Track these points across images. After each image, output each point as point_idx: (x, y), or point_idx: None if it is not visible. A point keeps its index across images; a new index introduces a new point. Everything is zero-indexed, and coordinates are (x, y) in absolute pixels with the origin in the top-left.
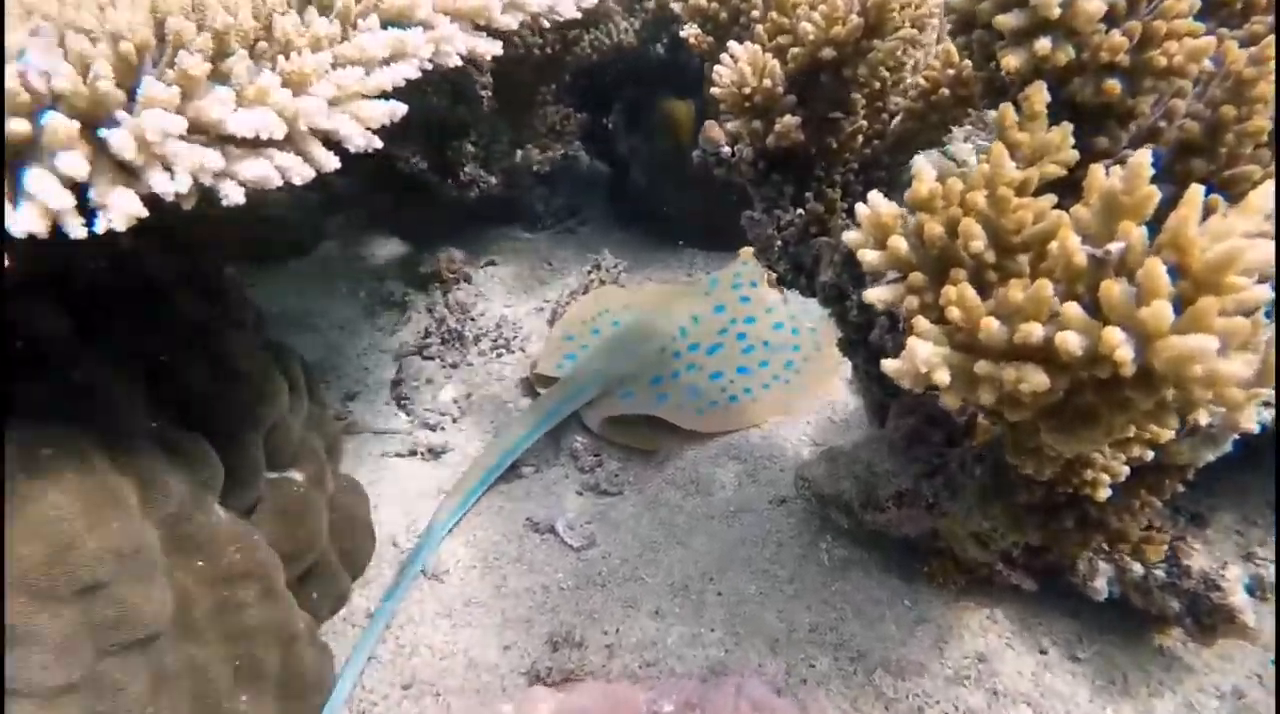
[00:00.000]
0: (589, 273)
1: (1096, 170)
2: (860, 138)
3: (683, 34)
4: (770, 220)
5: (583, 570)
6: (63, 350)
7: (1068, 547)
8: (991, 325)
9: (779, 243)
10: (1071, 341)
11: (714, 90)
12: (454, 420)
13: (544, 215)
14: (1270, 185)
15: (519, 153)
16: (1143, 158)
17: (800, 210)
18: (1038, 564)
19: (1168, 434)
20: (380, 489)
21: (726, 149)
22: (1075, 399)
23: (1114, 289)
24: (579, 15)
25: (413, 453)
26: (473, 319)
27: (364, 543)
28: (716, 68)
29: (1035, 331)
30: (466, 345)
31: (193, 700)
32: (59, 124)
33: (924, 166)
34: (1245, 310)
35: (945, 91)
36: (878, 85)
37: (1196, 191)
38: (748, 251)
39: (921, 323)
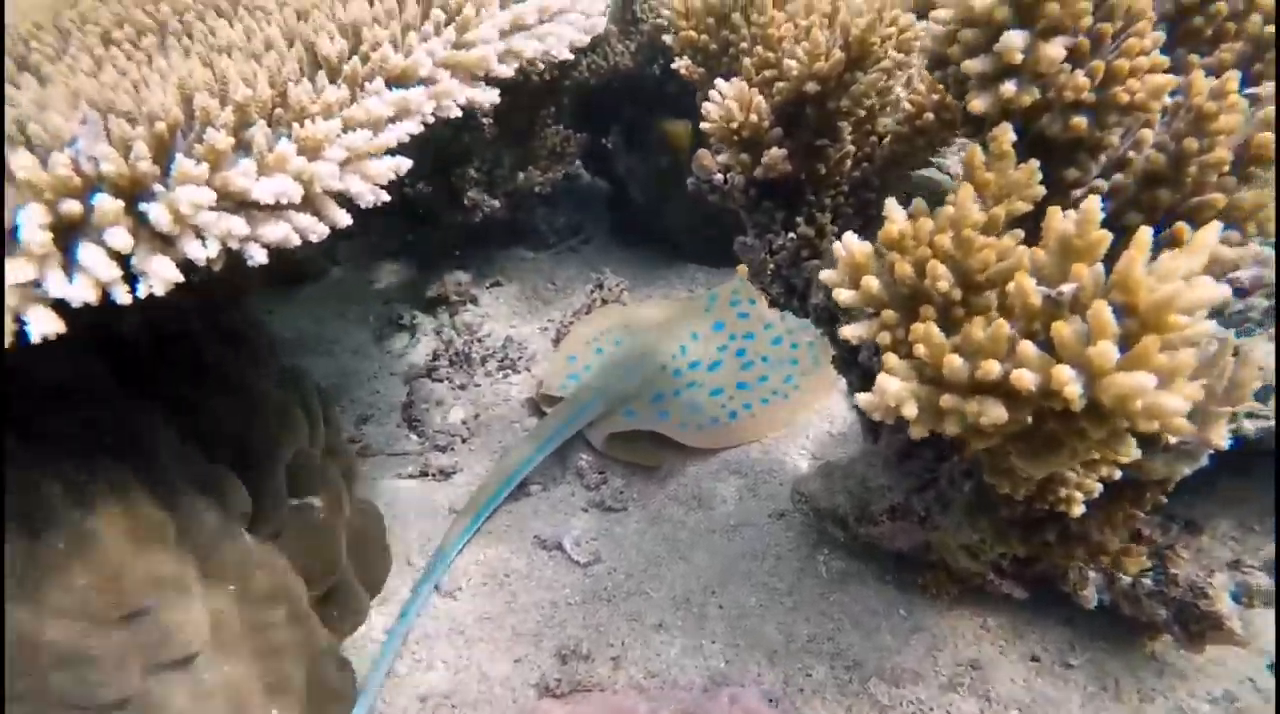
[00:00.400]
0: (591, 293)
1: (1054, 213)
2: (849, 162)
3: (674, 66)
4: (762, 245)
5: (589, 586)
6: (104, 394)
7: (1052, 559)
8: (955, 362)
9: (771, 267)
10: (1026, 378)
11: (703, 125)
12: (463, 441)
13: (547, 234)
14: (1216, 225)
15: (521, 175)
16: (1092, 204)
17: (792, 235)
18: (1028, 574)
19: (1132, 455)
20: (394, 510)
21: (719, 177)
22: (1040, 426)
23: (1064, 330)
24: (571, 57)
25: (424, 474)
26: (479, 340)
27: (380, 563)
28: (705, 104)
29: (994, 368)
30: (474, 367)
31: None
32: (108, 205)
33: (894, 208)
34: (1190, 344)
35: (930, 116)
36: (863, 113)
37: (1144, 233)
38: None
39: (891, 360)
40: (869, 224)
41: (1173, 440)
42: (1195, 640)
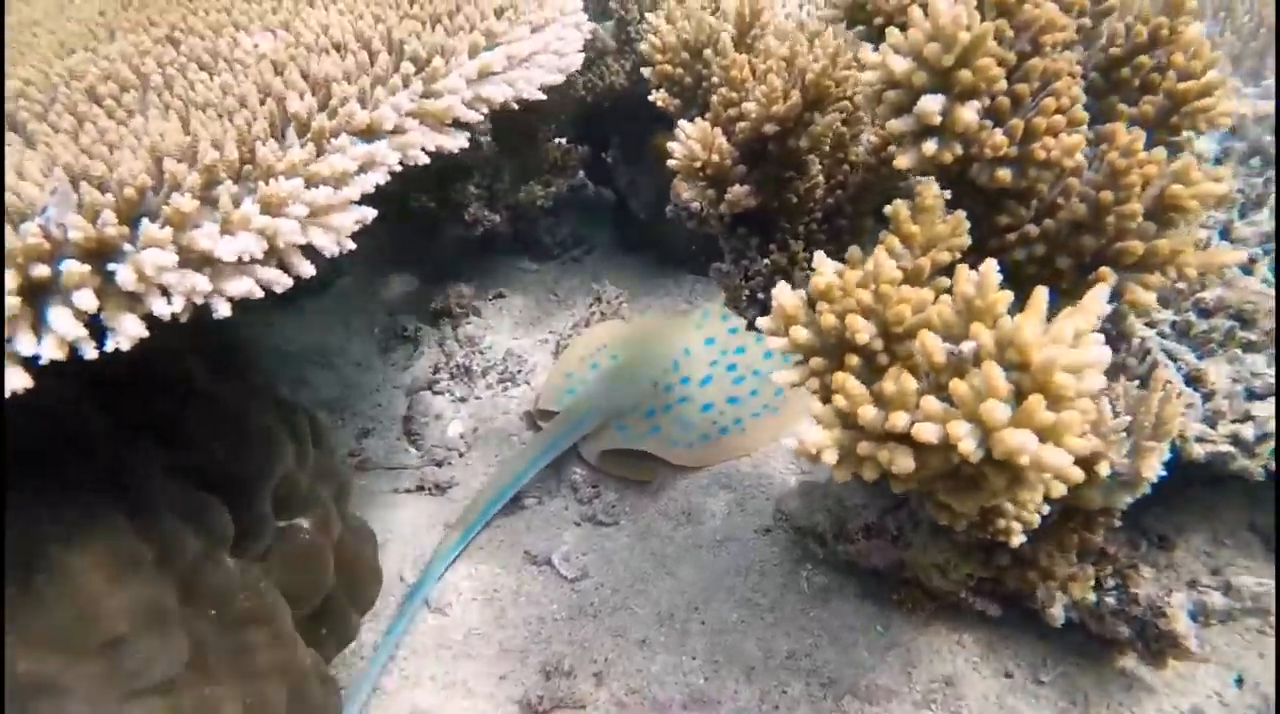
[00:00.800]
0: (590, 306)
1: (960, 273)
2: (819, 191)
3: (651, 98)
4: (738, 271)
5: (575, 601)
6: (85, 423)
7: (1010, 580)
8: (869, 412)
9: (746, 292)
10: (927, 431)
11: (670, 162)
12: (460, 455)
13: (551, 246)
14: (1105, 288)
15: (522, 189)
16: (990, 268)
17: (766, 261)
18: (1001, 591)
19: (1058, 492)
20: (390, 525)
21: (696, 205)
22: (962, 469)
23: (961, 387)
24: (544, 97)
25: (420, 488)
26: (481, 353)
27: (370, 581)
28: (670, 143)
29: (901, 420)
30: (474, 379)
31: None
32: (74, 269)
33: (822, 261)
34: (1081, 398)
35: (893, 148)
36: (828, 148)
37: (1039, 294)
38: None
39: (816, 406)
40: (842, 250)
41: (1105, 473)
42: (1157, 658)
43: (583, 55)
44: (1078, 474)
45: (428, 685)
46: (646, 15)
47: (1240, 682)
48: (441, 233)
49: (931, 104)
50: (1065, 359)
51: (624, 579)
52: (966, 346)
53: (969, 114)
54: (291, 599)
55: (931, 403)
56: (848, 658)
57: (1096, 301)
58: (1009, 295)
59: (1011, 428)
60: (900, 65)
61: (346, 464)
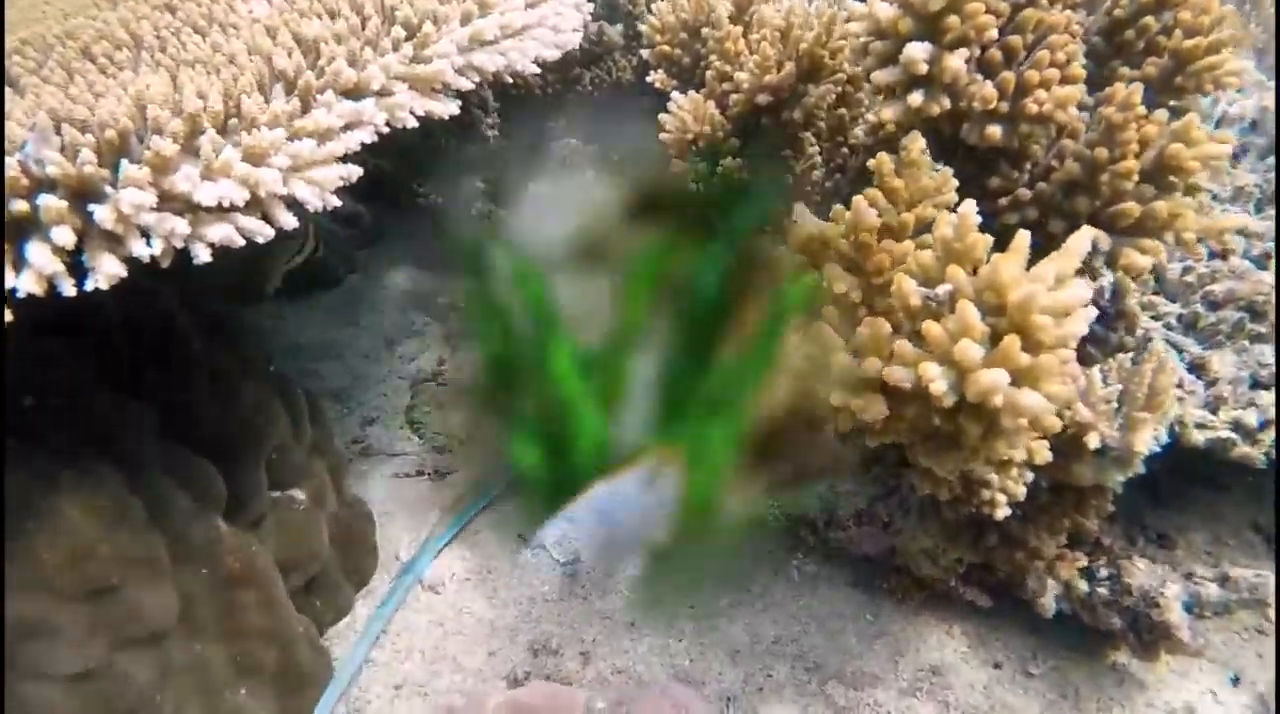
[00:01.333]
0: None
1: (943, 217)
2: (817, 172)
3: (649, 79)
4: None
5: (567, 584)
6: (84, 387)
7: (1000, 563)
8: (843, 360)
9: None
10: (898, 375)
11: (662, 136)
12: (461, 442)
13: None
14: (1087, 232)
15: (530, 187)
16: (968, 209)
17: None
18: (991, 581)
19: (1042, 456)
20: (389, 506)
21: (693, 186)
22: (943, 425)
23: (934, 329)
24: (537, 70)
25: (420, 473)
26: None
27: (367, 556)
28: (661, 116)
29: (874, 365)
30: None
31: (196, 690)
32: (51, 203)
33: (803, 213)
34: (1062, 345)
35: (892, 127)
36: (823, 125)
37: (1022, 237)
38: None
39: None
40: None
41: (1094, 445)
42: (1149, 650)
43: (580, 34)
44: (1055, 422)
45: (418, 659)
46: (651, 6)
47: (1236, 681)
48: (450, 228)
49: (918, 51)
50: (1044, 299)
51: (615, 563)
52: (942, 289)
53: (956, 62)
54: (285, 568)
55: (904, 346)
56: (835, 644)
57: (1079, 243)
58: (989, 239)
59: (985, 369)
60: (886, 12)
61: (349, 450)
